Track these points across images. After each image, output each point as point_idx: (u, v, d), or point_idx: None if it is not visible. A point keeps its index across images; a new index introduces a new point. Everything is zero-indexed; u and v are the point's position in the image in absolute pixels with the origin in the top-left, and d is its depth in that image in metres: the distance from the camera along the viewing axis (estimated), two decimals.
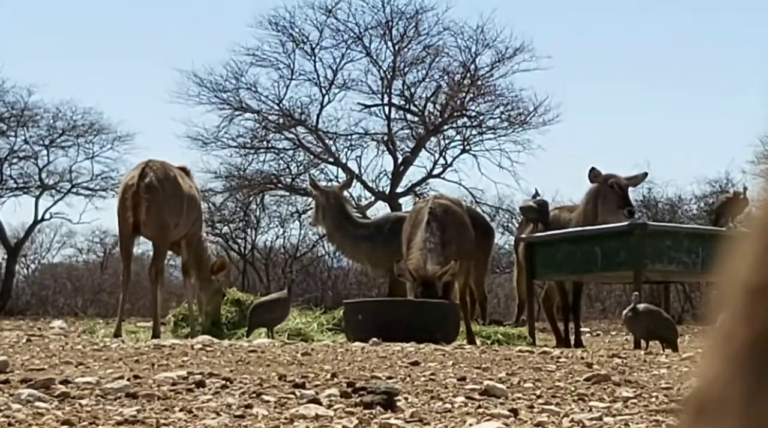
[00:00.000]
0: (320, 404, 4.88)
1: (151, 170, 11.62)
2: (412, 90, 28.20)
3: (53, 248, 31.20)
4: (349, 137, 28.21)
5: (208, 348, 8.38)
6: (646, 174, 14.61)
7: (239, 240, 29.54)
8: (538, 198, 14.65)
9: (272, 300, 11.83)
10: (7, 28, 38.20)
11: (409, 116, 28.44)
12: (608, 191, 13.59)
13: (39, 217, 29.20)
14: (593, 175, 13.70)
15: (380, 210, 26.74)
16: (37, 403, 4.76)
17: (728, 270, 0.68)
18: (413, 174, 28.28)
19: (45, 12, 38.92)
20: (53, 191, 29.32)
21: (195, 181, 12.55)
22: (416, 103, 28.19)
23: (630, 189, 14.02)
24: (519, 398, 5.44)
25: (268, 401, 5.01)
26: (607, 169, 13.81)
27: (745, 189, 15.54)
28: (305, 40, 28.09)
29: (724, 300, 0.68)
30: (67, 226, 30.56)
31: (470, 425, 4.50)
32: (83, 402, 4.89)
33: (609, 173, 13.78)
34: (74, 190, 29.30)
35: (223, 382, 5.68)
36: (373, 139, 28.27)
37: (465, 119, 28.30)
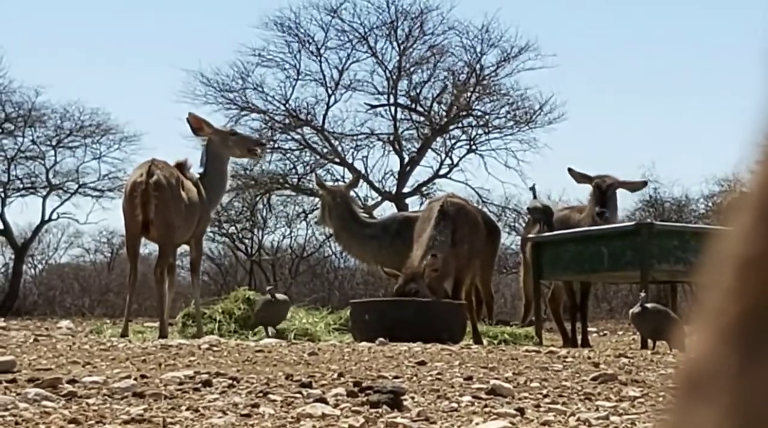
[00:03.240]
0: (327, 403, 4.88)
1: (157, 168, 11.61)
2: (418, 90, 28.23)
3: (60, 248, 31.28)
4: (355, 137, 28.25)
5: (215, 348, 8.39)
6: (645, 183, 14.49)
7: (246, 241, 29.56)
8: (537, 196, 14.75)
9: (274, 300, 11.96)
10: (15, 28, 38.25)
11: (415, 116, 28.46)
12: (593, 192, 13.65)
13: (46, 217, 29.27)
14: (572, 175, 13.81)
15: (387, 210, 26.77)
16: (45, 402, 4.77)
17: (719, 245, 0.68)
18: (419, 174, 28.33)
19: (52, 13, 38.96)
20: (60, 191, 29.37)
21: (193, 173, 12.47)
22: (422, 103, 28.21)
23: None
24: (525, 397, 5.44)
25: (274, 400, 5.02)
26: (613, 168, 13.82)
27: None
28: (311, 40, 28.15)
29: (715, 278, 0.68)
30: (74, 226, 30.65)
31: (477, 424, 4.50)
32: (90, 401, 4.90)
33: (602, 174, 13.77)
34: (81, 190, 29.37)
35: (230, 382, 5.69)
36: (379, 139, 28.31)
37: (471, 119, 28.32)
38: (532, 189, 15.66)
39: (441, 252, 11.74)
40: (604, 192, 13.50)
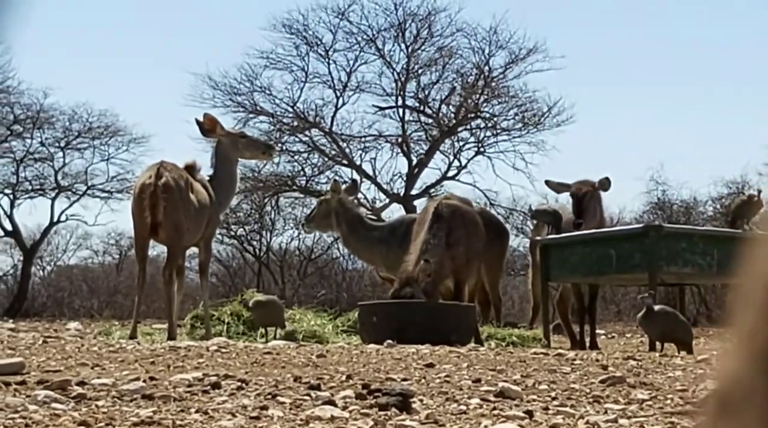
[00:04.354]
0: (335, 405, 4.89)
1: (166, 170, 11.63)
2: (426, 92, 28.24)
3: (69, 250, 31.33)
4: (363, 139, 28.26)
5: (224, 350, 8.40)
6: (607, 178, 14.28)
7: (254, 242, 29.59)
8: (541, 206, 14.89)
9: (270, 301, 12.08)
10: (23, 30, 38.25)
11: (423, 118, 28.46)
12: (571, 201, 13.68)
13: (55, 219, 29.33)
14: (550, 187, 13.87)
15: (395, 212, 26.77)
16: (54, 404, 4.78)
17: (750, 270, 0.69)
18: (427, 176, 28.32)
19: (60, 14, 39.01)
20: (69, 193, 29.43)
21: (203, 175, 12.50)
22: (430, 104, 28.22)
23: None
24: (534, 400, 5.44)
25: (283, 402, 5.02)
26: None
27: (760, 191, 15.52)
28: (319, 42, 28.16)
29: (746, 300, 0.69)
30: (83, 228, 30.70)
31: (485, 427, 4.50)
32: (99, 403, 4.91)
33: (581, 180, 13.77)
34: (90, 191, 29.43)
35: (239, 384, 5.69)
36: (387, 141, 28.31)
37: (479, 121, 28.32)
38: (530, 210, 15.72)
39: (435, 255, 11.65)
40: (580, 200, 13.49)
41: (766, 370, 0.64)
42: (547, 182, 13.95)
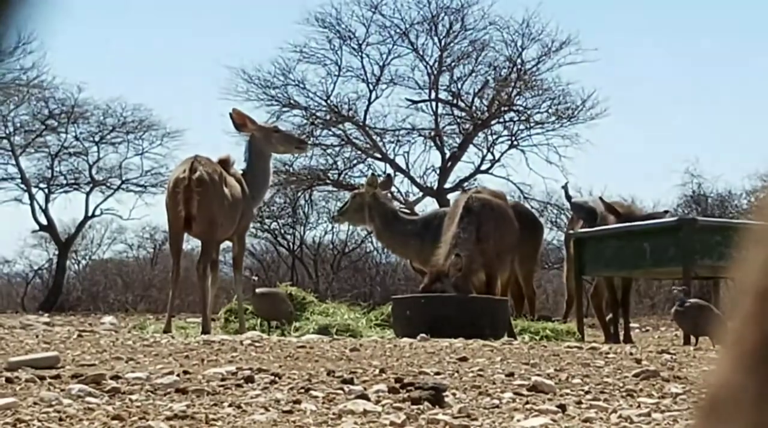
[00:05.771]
0: (368, 399, 4.89)
1: (200, 164, 11.65)
2: (459, 85, 28.20)
3: (104, 244, 31.45)
4: (396, 133, 28.25)
5: (257, 344, 8.42)
6: (667, 211, 14.29)
7: (288, 236, 29.64)
8: (570, 194, 14.85)
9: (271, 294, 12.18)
10: (57, 25, 38.48)
11: (456, 111, 28.41)
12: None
13: (89, 213, 29.46)
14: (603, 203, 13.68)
15: (428, 205, 26.74)
16: (88, 398, 4.80)
17: (740, 273, 0.69)
18: (461, 169, 28.28)
19: (94, 9, 39.18)
20: (103, 187, 29.56)
21: (236, 169, 12.51)
22: (463, 98, 28.17)
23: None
24: (567, 394, 5.43)
25: (316, 396, 5.03)
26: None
27: None
28: (352, 36, 28.16)
29: (737, 303, 0.69)
30: (118, 222, 30.82)
31: (518, 421, 4.50)
32: (133, 397, 4.93)
33: (626, 206, 13.64)
34: (124, 186, 29.55)
35: (272, 378, 5.71)
36: (420, 135, 28.29)
37: (512, 114, 28.25)
38: (564, 187, 15.63)
39: (465, 250, 11.62)
40: None
41: (753, 374, 0.65)
42: (600, 198, 13.80)
